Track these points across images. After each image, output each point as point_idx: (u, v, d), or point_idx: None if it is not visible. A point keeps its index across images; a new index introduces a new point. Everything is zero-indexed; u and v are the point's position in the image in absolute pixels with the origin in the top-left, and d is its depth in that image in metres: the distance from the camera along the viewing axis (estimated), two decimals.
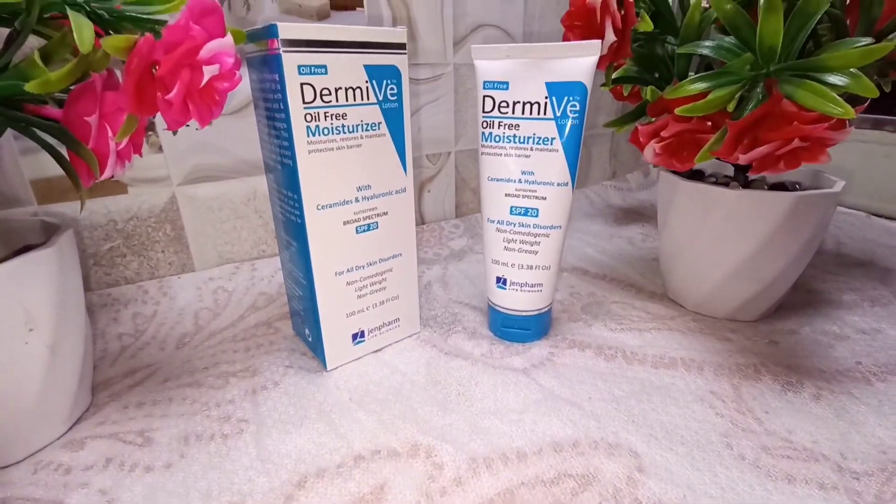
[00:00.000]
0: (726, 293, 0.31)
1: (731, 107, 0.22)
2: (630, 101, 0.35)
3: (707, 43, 0.25)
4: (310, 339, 0.28)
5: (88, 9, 0.19)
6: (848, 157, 0.53)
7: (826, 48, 0.22)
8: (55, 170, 0.31)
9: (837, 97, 0.19)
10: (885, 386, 0.25)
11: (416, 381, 0.26)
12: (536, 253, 0.28)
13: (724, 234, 0.29)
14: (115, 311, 0.34)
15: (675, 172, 0.32)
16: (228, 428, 0.23)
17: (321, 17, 0.37)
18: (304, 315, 0.28)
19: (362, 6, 0.39)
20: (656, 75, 0.29)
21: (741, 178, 0.31)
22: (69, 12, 0.17)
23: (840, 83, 0.20)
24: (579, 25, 0.26)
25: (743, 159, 0.22)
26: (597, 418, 0.23)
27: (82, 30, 0.17)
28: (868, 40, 0.21)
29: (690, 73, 0.28)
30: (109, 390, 0.26)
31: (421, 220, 0.49)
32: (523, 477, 0.20)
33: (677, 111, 0.22)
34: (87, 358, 0.24)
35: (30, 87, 0.16)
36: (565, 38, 0.28)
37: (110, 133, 0.19)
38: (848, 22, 0.26)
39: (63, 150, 0.20)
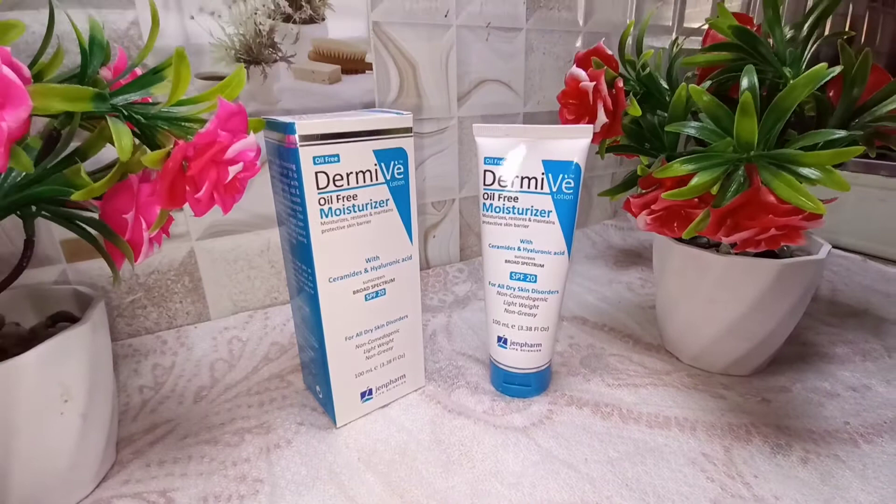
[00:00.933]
0: (720, 349, 0.32)
1: (714, 190, 0.24)
2: (628, 156, 0.37)
3: (693, 124, 0.26)
4: (320, 396, 0.30)
5: (126, 113, 0.21)
6: (844, 199, 0.54)
7: (802, 138, 0.23)
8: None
9: (809, 193, 0.21)
10: (870, 448, 0.26)
11: (421, 440, 0.27)
12: (535, 315, 0.29)
13: (715, 295, 0.30)
14: (136, 362, 0.35)
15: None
16: (244, 488, 0.25)
17: (333, 81, 0.40)
18: (315, 372, 0.29)
19: (371, 69, 0.42)
20: (647, 146, 0.31)
21: None
22: (110, 122, 0.19)
23: (813, 177, 0.21)
24: (574, 103, 0.28)
25: (726, 240, 0.23)
26: (592, 482, 0.24)
27: (122, 138, 0.19)
28: (841, 133, 0.22)
29: (679, 146, 0.30)
30: (132, 447, 0.28)
31: (426, 265, 0.51)
32: None
33: (664, 196, 0.24)
34: (113, 417, 0.26)
35: (76, 196, 0.18)
36: (560, 114, 0.30)
37: (144, 225, 0.21)
38: (832, 94, 0.28)
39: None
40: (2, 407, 0.20)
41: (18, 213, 0.21)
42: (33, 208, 0.21)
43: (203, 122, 0.21)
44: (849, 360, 0.34)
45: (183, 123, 0.21)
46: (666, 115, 0.30)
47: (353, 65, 0.40)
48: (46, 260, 0.34)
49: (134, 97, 0.20)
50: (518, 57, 0.49)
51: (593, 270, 0.51)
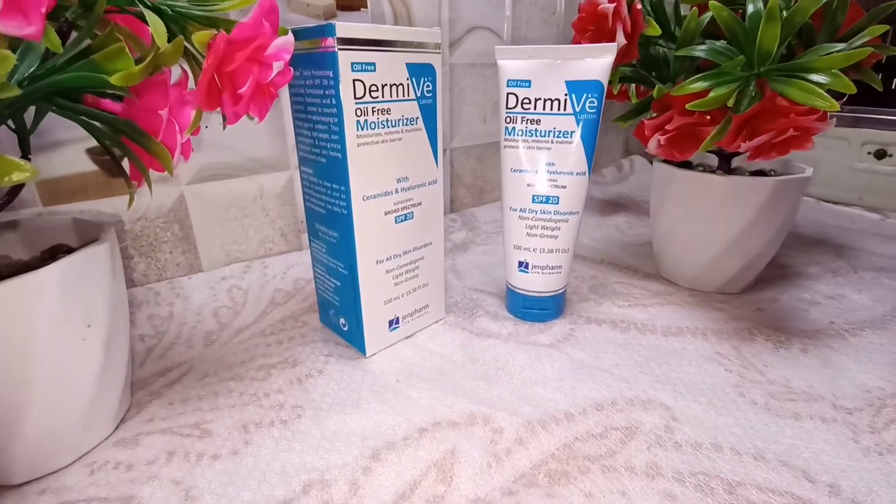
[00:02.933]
0: (716, 269, 0.34)
1: (730, 102, 0.26)
2: (617, 99, 0.38)
3: (701, 47, 0.28)
4: (345, 329, 0.29)
5: (151, 4, 0.19)
6: None
7: (806, 53, 0.25)
8: (61, 170, 0.31)
9: (824, 93, 0.23)
10: (857, 340, 0.29)
11: (455, 360, 0.28)
12: (557, 237, 0.30)
13: (715, 215, 0.32)
14: (130, 313, 0.33)
15: (669, 163, 0.35)
16: (285, 414, 0.24)
17: (328, 16, 0.38)
18: (339, 305, 0.29)
19: (366, 6, 0.40)
20: (653, 74, 0.32)
21: (725, 167, 0.35)
22: (144, 10, 0.18)
23: (823, 81, 0.23)
24: (591, 30, 0.29)
25: (745, 147, 0.25)
26: (626, 381, 0.26)
27: (157, 25, 0.18)
28: (843, 46, 0.25)
29: (682, 75, 0.31)
30: (147, 389, 0.26)
31: None
32: (576, 433, 0.22)
33: (688, 106, 0.25)
34: (130, 355, 0.24)
35: (116, 79, 0.17)
36: (575, 41, 0.31)
37: (177, 128, 0.20)
38: (815, 23, 0.31)
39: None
40: (21, 329, 0.18)
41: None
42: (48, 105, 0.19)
43: (232, 22, 0.20)
44: (822, 276, 0.37)
45: (213, 20, 0.20)
46: (671, 46, 0.31)
47: (348, 0, 0.39)
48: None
49: None
50: (506, 5, 0.50)
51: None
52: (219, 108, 0.20)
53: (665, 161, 0.36)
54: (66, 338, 0.20)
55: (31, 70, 0.17)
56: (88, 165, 0.32)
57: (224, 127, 0.22)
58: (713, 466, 0.20)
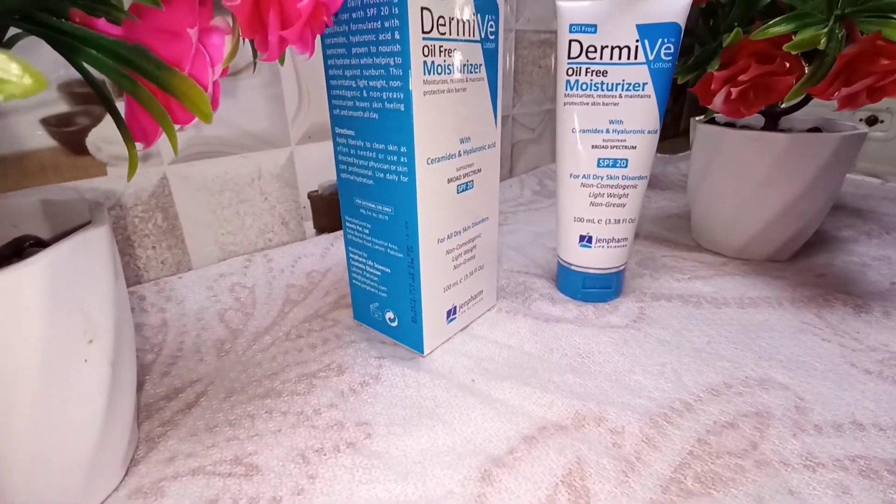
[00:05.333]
0: (769, 235, 0.33)
1: (821, 45, 0.23)
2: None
3: None
4: (394, 324, 0.24)
5: None
6: None
7: None
8: (8, 147, 0.24)
9: None
10: None
11: (530, 352, 0.24)
12: (624, 206, 0.27)
13: (772, 177, 0.30)
14: None
15: (717, 125, 0.33)
16: (349, 435, 0.19)
17: None
18: (387, 296, 0.24)
19: None
20: (710, 23, 0.29)
21: (772, 127, 0.33)
22: None
23: None
24: None
25: (844, 92, 0.23)
26: (728, 359, 0.23)
27: None
28: None
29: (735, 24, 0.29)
30: (156, 418, 0.20)
31: None
32: (705, 425, 0.19)
33: (786, 47, 0.22)
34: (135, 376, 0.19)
35: None
36: None
37: (208, 59, 0.14)
38: None
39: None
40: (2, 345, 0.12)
41: None
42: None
43: None
44: (859, 240, 0.37)
45: None
46: None
47: None
48: None
49: None
50: None
51: None
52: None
53: (710, 122, 0.34)
54: (61, 360, 0.14)
55: None
56: (46, 141, 0.25)
57: (255, 65, 0.17)
58: (866, 448, 0.18)
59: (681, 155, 0.66)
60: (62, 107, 0.25)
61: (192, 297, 0.29)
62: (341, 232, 0.31)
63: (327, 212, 0.38)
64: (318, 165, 0.36)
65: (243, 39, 0.15)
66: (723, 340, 0.24)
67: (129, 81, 0.13)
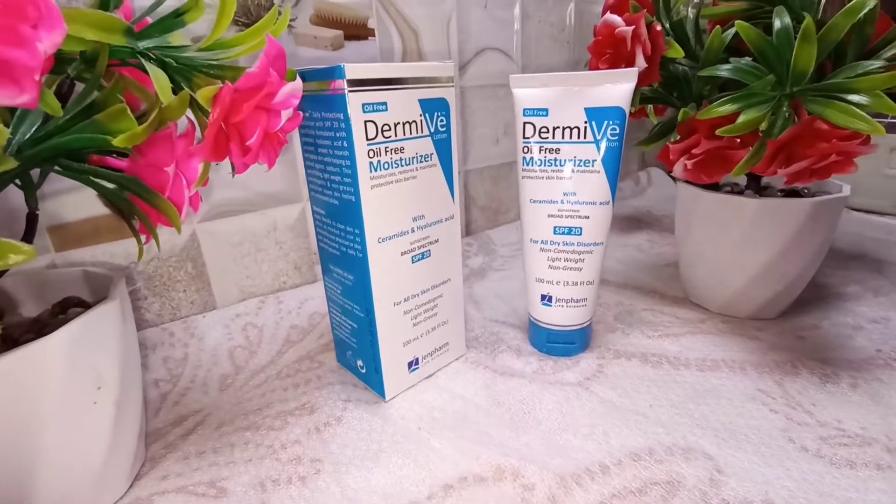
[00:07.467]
0: (750, 294, 0.33)
1: (763, 126, 0.24)
2: (633, 117, 0.37)
3: (726, 66, 0.27)
4: (363, 371, 0.28)
5: (154, 57, 0.18)
6: None
7: (842, 71, 0.24)
8: (71, 216, 0.30)
9: (866, 115, 0.21)
10: None
11: (479, 404, 0.26)
12: (581, 269, 0.29)
13: (747, 240, 0.31)
14: (143, 356, 0.32)
15: (693, 184, 0.34)
16: (303, 469, 0.23)
17: (336, 47, 0.38)
18: (356, 347, 0.28)
19: (374, 35, 0.40)
20: (675, 95, 0.31)
21: (755, 186, 0.33)
22: (146, 64, 0.17)
23: (864, 102, 0.22)
24: (609, 53, 0.28)
25: (781, 173, 0.24)
26: (663, 425, 0.24)
27: (160, 80, 0.17)
28: (880, 63, 0.23)
29: (705, 93, 0.30)
30: (162, 441, 0.25)
31: None
32: (612, 489, 0.21)
33: (719, 132, 0.24)
34: (142, 407, 0.24)
35: (119, 141, 0.16)
36: (593, 66, 0.29)
37: (184, 182, 0.19)
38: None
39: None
40: (29, 397, 0.17)
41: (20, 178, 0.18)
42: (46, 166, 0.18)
43: (240, 69, 0.19)
44: (862, 296, 0.35)
45: (222, 74, 0.19)
46: (693, 65, 0.30)
47: (356, 30, 0.38)
48: None
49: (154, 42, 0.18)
50: (516, 25, 0.49)
51: None
52: (227, 158, 0.19)
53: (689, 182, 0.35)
54: (75, 403, 0.19)
55: (32, 131, 0.17)
56: (101, 209, 0.31)
57: (233, 175, 0.22)
58: None
59: None
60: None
61: (211, 334, 0.34)
62: None
63: None
64: None
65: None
66: (666, 404, 0.26)
67: (127, 203, 0.18)
